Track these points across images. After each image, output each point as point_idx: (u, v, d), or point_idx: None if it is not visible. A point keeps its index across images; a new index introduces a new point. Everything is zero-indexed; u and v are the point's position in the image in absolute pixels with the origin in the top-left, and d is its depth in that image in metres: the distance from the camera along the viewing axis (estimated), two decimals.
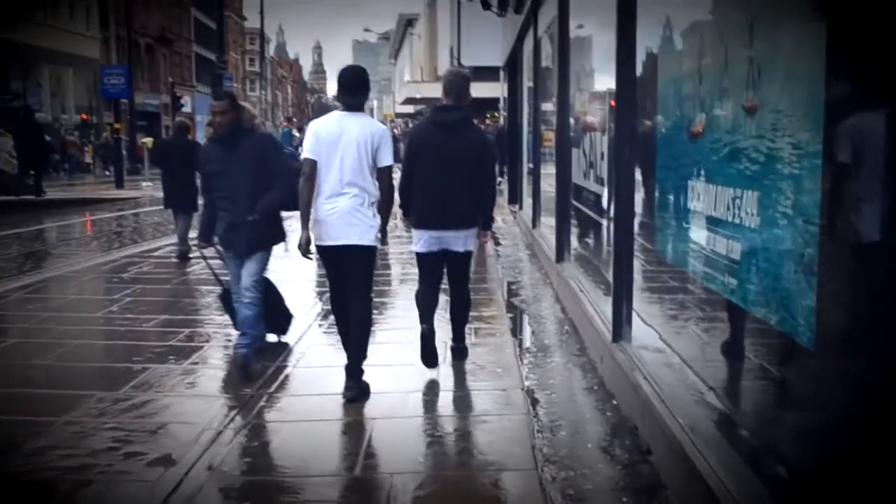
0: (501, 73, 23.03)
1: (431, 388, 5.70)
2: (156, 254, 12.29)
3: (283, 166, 5.89)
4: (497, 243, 12.95)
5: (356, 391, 5.38)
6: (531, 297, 8.60)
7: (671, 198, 4.23)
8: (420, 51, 57.03)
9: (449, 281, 6.13)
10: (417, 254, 5.99)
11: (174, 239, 12.19)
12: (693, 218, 3.86)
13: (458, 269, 6.08)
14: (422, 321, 5.96)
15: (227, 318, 6.90)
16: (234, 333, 6.41)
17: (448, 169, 5.73)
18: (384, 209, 5.43)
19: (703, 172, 3.69)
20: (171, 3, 58.84)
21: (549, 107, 11.33)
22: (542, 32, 11.76)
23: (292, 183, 5.67)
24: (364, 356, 5.48)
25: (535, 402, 5.26)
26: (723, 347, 4.15)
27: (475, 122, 6.14)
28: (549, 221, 11.07)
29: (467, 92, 5.95)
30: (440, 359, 6.05)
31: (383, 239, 5.55)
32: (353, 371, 5.42)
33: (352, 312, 5.50)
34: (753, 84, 3.13)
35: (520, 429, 4.80)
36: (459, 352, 6.25)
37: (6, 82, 33.55)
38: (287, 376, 5.97)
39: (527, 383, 5.65)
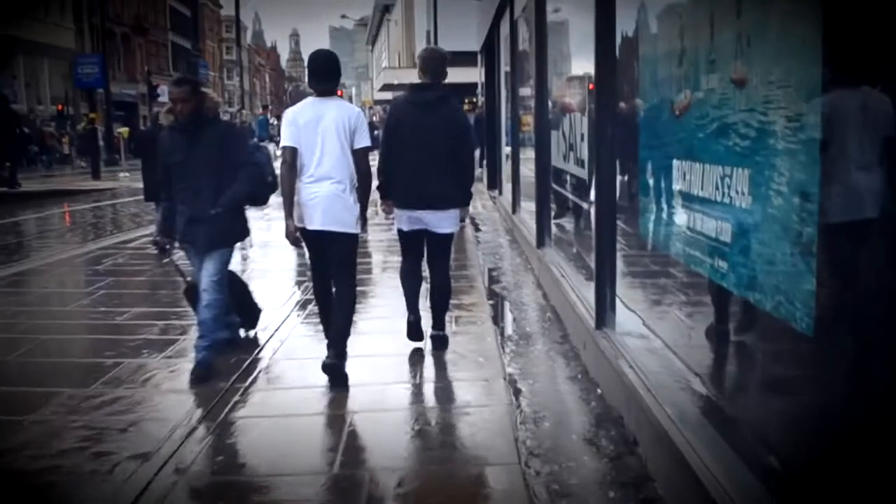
0: (479, 57, 22.81)
1: (412, 380, 5.54)
2: (131, 245, 12.03)
3: (247, 158, 5.63)
4: (477, 229, 12.80)
5: (336, 362, 5.35)
6: (512, 284, 8.44)
7: (655, 179, 4.06)
8: (397, 36, 56.66)
9: (428, 263, 6.08)
10: (399, 230, 5.98)
11: (152, 229, 11.86)
12: (679, 199, 3.69)
13: (438, 249, 6.01)
14: (409, 310, 6.07)
15: None
16: None
17: (427, 147, 5.65)
18: (362, 193, 5.39)
19: (688, 151, 3.52)
20: None
21: (526, 91, 11.16)
22: (518, 14, 11.56)
23: (257, 175, 5.58)
24: (347, 334, 5.52)
25: (517, 392, 5.10)
26: (708, 333, 4.01)
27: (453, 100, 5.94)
28: (529, 206, 10.92)
29: (444, 70, 5.88)
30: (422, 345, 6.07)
31: (363, 226, 5.47)
32: (337, 345, 5.42)
33: (336, 294, 5.57)
34: (742, 54, 2.96)
35: (502, 420, 4.63)
36: (440, 340, 6.11)
37: None
38: (263, 369, 5.77)
39: (509, 371, 5.50)
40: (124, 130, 32.08)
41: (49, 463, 4.26)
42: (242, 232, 5.83)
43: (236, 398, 5.14)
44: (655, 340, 4.68)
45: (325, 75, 5.38)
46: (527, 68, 10.72)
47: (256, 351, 6.14)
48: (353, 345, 6.05)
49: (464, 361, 5.85)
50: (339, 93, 6.61)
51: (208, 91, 5.97)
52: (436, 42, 31.21)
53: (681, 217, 3.64)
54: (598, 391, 5.04)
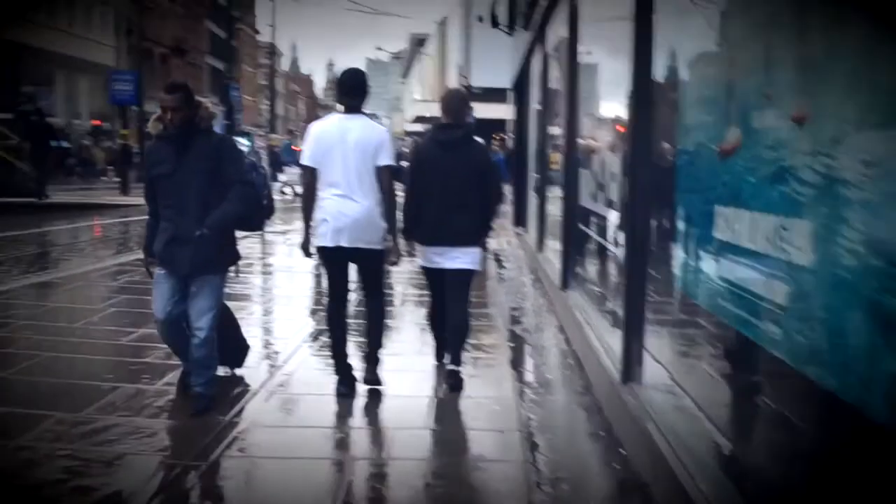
0: (509, 94, 22.55)
1: (422, 425, 5.11)
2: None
3: (242, 176, 5.02)
4: (501, 266, 12.40)
5: (374, 376, 5.60)
6: (534, 326, 8.03)
7: (693, 226, 3.66)
8: (430, 70, 56.72)
9: (447, 298, 5.86)
10: (423, 268, 5.95)
11: None
12: (722, 250, 3.28)
13: (455, 286, 5.81)
14: (437, 358, 6.14)
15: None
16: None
17: (451, 186, 5.64)
18: (387, 208, 5.38)
19: (734, 197, 3.12)
20: (187, 14, 58.54)
21: (556, 128, 10.82)
22: (550, 51, 11.24)
23: (250, 197, 5.08)
24: (381, 345, 5.68)
25: (534, 446, 4.68)
26: (751, 402, 3.58)
27: (477, 139, 5.78)
28: (554, 245, 10.52)
29: (465, 110, 5.95)
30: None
31: (394, 240, 5.50)
32: (372, 358, 5.65)
33: (368, 308, 5.70)
34: (804, 89, 2.57)
35: (516, 479, 4.20)
36: (454, 377, 5.73)
37: (17, 85, 33.08)
38: (265, 404, 5.39)
39: (526, 423, 5.08)
40: None
41: (22, 496, 3.88)
42: (230, 257, 5.21)
43: (234, 434, 4.75)
44: (686, 400, 4.26)
45: (353, 91, 5.40)
46: (557, 106, 10.38)
47: (260, 384, 5.76)
48: (362, 385, 5.70)
49: (479, 408, 5.44)
50: None
51: (203, 101, 5.37)
52: (468, 76, 31.05)
53: (724, 270, 3.23)
54: (622, 452, 4.61)
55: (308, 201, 5.43)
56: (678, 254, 3.95)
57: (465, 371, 6.04)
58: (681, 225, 3.87)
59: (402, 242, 5.73)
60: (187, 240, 4.88)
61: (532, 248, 12.78)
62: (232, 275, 5.32)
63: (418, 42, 65.83)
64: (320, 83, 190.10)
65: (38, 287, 9.60)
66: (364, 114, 5.50)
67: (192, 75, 59.19)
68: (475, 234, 5.76)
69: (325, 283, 5.82)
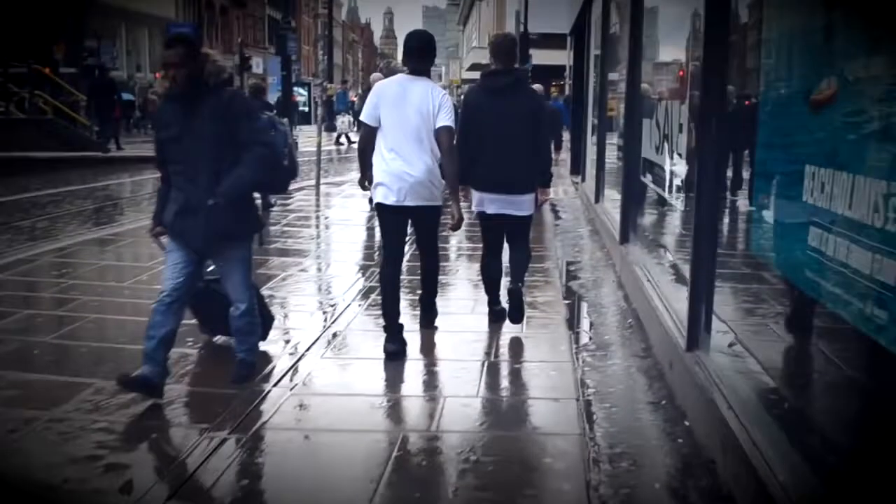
0: (568, 40, 21.83)
1: (474, 392, 4.78)
2: None
3: (257, 137, 4.47)
4: (557, 217, 11.97)
5: (428, 322, 5.78)
6: (591, 282, 7.62)
7: (778, 186, 3.21)
8: (488, 17, 55.71)
9: (509, 243, 5.98)
10: (479, 213, 5.86)
11: None
12: (813, 216, 2.84)
13: (517, 232, 5.93)
14: (491, 302, 6.01)
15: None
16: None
17: (503, 134, 5.58)
18: (449, 168, 5.32)
19: (831, 156, 2.67)
20: None
21: (616, 75, 10.28)
22: None
23: (267, 159, 4.53)
24: (436, 293, 5.83)
25: (591, 417, 4.33)
26: (833, 379, 3.18)
27: (533, 86, 5.46)
28: (613, 196, 10.06)
29: (515, 54, 5.84)
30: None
31: (455, 202, 5.39)
32: (428, 304, 5.81)
33: (423, 266, 5.71)
34: None
35: (573, 455, 3.86)
36: (516, 296, 5.88)
37: (80, 40, 33.17)
38: (308, 373, 5.11)
39: (583, 390, 4.73)
40: None
41: (53, 474, 3.66)
42: (250, 226, 4.74)
43: (277, 405, 4.48)
44: (758, 371, 3.88)
45: (419, 54, 5.34)
46: (619, 50, 9.83)
47: (309, 346, 5.50)
48: (413, 348, 5.41)
49: (533, 374, 5.11)
50: None
51: (210, 52, 4.70)
52: (525, 24, 30.27)
53: (815, 239, 2.79)
54: (686, 423, 4.23)
55: (364, 156, 5.41)
56: (756, 215, 3.51)
57: (521, 331, 5.86)
58: (761, 184, 3.43)
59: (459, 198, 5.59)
60: (199, 209, 4.38)
61: (590, 198, 12.30)
62: (255, 245, 4.90)
63: None
64: (378, 31, 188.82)
65: (93, 243, 9.47)
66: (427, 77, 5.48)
67: (251, 27, 59.00)
68: (530, 181, 5.72)
69: (377, 238, 5.76)
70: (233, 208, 4.40)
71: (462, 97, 31.09)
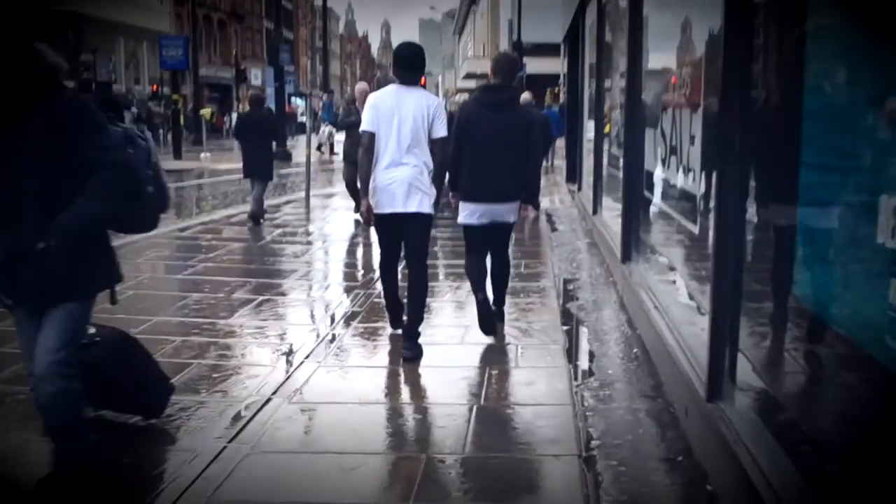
0: (561, 48, 21.12)
1: (459, 450, 4.00)
2: (185, 233, 10.84)
3: (103, 155, 3.21)
4: (553, 228, 11.23)
5: (414, 352, 5.36)
6: (591, 303, 6.87)
7: (840, 222, 2.46)
8: (482, 27, 55.20)
9: (491, 249, 6.04)
10: (465, 225, 5.90)
11: (210, 216, 11.69)
12: (889, 261, 2.10)
13: (500, 238, 6.05)
14: (476, 291, 5.88)
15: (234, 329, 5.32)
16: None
17: (495, 146, 5.63)
18: (438, 178, 5.39)
19: None
20: None
21: (612, 82, 9.55)
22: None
23: (119, 184, 3.23)
24: (421, 319, 5.46)
25: (597, 480, 3.58)
26: (885, 445, 2.44)
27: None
28: (611, 205, 9.32)
29: (514, 73, 5.99)
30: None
31: (436, 209, 5.52)
32: (411, 333, 5.43)
33: (410, 278, 5.54)
34: None
35: None
36: (499, 316, 6.05)
37: (77, 54, 32.45)
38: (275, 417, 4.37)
39: (586, 441, 3.98)
40: (206, 112, 31.13)
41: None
42: (99, 278, 3.38)
43: (230, 467, 3.73)
44: (800, 431, 3.13)
45: (410, 65, 5.39)
46: (615, 56, 9.10)
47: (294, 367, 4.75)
48: (393, 388, 4.68)
49: (529, 420, 4.35)
50: (422, 81, 6.38)
51: (41, 48, 3.35)
52: (519, 32, 29.63)
53: None
54: (708, 488, 3.49)
55: (367, 164, 5.32)
56: (804, 255, 2.76)
57: (514, 362, 5.35)
58: (810, 215, 2.67)
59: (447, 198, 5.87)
60: (28, 256, 3.13)
61: (586, 209, 11.56)
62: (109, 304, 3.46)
63: (470, 0, 63.96)
64: (375, 43, 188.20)
65: None
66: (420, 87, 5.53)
67: (249, 39, 58.30)
68: (516, 190, 5.79)
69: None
70: (72, 254, 3.17)
71: (459, 105, 30.43)
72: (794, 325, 3.36)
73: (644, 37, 6.84)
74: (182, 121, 30.67)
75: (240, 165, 12.10)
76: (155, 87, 37.77)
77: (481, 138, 5.62)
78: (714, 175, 3.84)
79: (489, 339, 5.74)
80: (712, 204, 3.91)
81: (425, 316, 5.58)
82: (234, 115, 38.32)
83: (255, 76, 49.81)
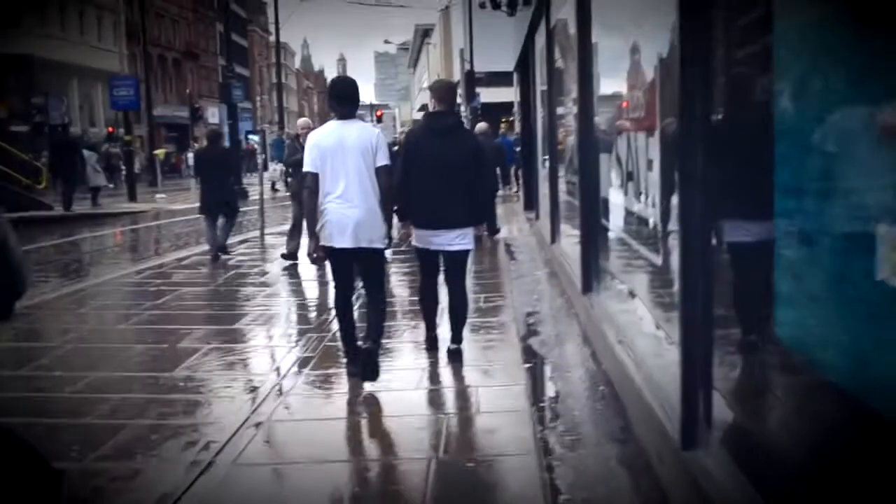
0: (514, 76, 20.96)
1: None
2: (134, 279, 10.34)
3: None
4: (511, 258, 10.90)
5: (373, 370, 5.21)
6: (553, 337, 6.52)
7: (828, 255, 2.14)
8: (436, 58, 55.27)
9: (446, 278, 5.96)
10: (416, 249, 5.91)
11: (161, 259, 11.46)
12: (888, 302, 1.77)
13: (454, 267, 5.90)
14: (428, 328, 6.05)
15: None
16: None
17: (442, 172, 5.60)
18: (385, 207, 5.33)
19: None
20: (198, 19, 57.15)
21: (565, 109, 9.29)
22: (555, 22, 9.66)
23: None
24: (380, 338, 5.46)
25: None
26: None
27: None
28: (570, 233, 9.02)
29: (454, 97, 6.06)
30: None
31: (388, 242, 5.54)
32: (371, 353, 5.25)
33: (369, 305, 5.57)
34: None
35: None
36: (456, 354, 5.87)
37: (27, 96, 31.73)
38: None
39: (553, 498, 3.61)
40: (160, 152, 30.53)
41: None
42: None
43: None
44: (779, 481, 2.79)
45: (347, 100, 5.42)
46: (567, 81, 8.84)
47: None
48: (341, 441, 4.29)
49: (491, 476, 3.97)
50: (378, 113, 6.29)
51: None
52: (471, 60, 29.51)
53: None
54: None
55: (312, 204, 5.32)
56: (784, 291, 2.42)
57: (475, 406, 4.93)
58: (789, 248, 2.34)
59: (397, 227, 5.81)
60: None
61: (545, 238, 11.26)
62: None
63: (423, 33, 64.18)
64: (332, 77, 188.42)
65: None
66: (357, 118, 5.55)
67: (206, 77, 57.75)
68: (469, 216, 5.73)
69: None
70: None
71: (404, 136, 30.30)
72: (770, 358, 3.04)
73: (594, 61, 6.57)
74: (137, 163, 30.12)
75: (195, 205, 11.82)
76: (111, 128, 37.08)
77: (428, 163, 5.60)
78: (674, 199, 3.53)
79: (447, 382, 5.40)
80: (671, 229, 3.59)
81: (381, 357, 5.40)
82: (191, 154, 37.77)
83: (213, 114, 49.25)
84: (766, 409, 3.07)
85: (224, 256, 11.40)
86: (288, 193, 12.91)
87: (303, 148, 10.49)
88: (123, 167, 32.58)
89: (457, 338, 5.92)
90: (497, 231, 12.63)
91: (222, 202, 11.30)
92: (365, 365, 5.20)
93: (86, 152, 22.87)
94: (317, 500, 3.78)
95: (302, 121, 11.68)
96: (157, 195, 25.69)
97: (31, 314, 8.15)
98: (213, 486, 3.89)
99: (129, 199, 23.75)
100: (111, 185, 22.75)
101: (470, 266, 6.22)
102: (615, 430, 4.41)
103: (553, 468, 3.93)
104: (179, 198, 26.16)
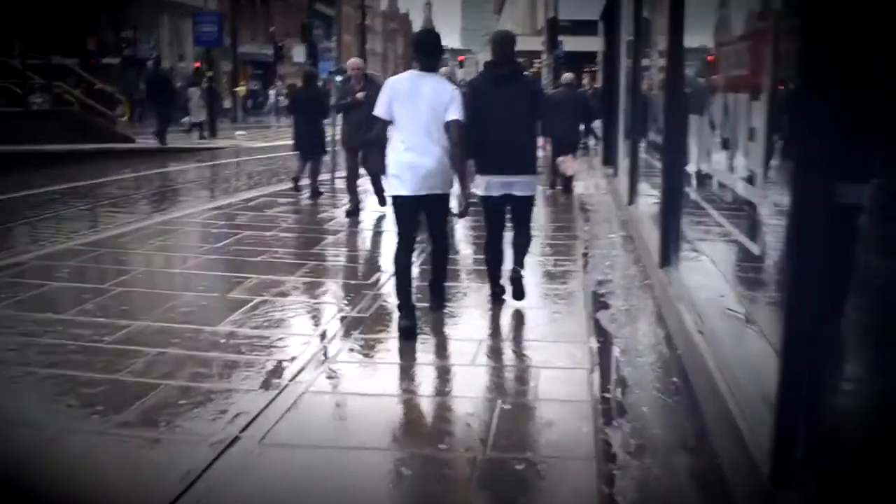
0: (599, 25, 19.91)
1: None
2: (198, 218, 10.02)
3: None
4: (586, 219, 10.21)
5: (521, 291, 5.87)
6: (623, 313, 5.87)
7: None
8: (521, 4, 53.83)
9: (512, 223, 6.03)
10: (482, 197, 5.83)
11: (229, 199, 11.45)
12: None
13: (520, 212, 5.95)
14: (493, 284, 6.03)
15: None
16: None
17: (505, 118, 5.63)
18: (457, 159, 5.29)
19: None
20: None
21: (651, 61, 8.49)
22: None
23: None
24: (445, 277, 5.81)
25: None
26: None
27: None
28: (648, 192, 8.32)
29: (513, 50, 5.94)
30: None
31: (463, 191, 5.46)
32: (438, 289, 5.75)
33: (434, 250, 5.73)
34: None
35: None
36: (517, 283, 5.95)
37: (117, 31, 31.79)
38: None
39: None
40: (241, 89, 30.29)
41: None
42: None
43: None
44: None
45: (430, 52, 5.47)
46: (653, 33, 8.03)
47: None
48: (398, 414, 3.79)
49: (544, 479, 3.42)
50: (460, 58, 5.70)
51: None
52: (556, 10, 28.29)
53: None
54: None
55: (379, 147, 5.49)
56: None
57: (533, 392, 4.39)
58: None
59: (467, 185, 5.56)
60: None
61: (622, 197, 10.53)
62: None
63: None
64: (417, 21, 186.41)
65: (55, 257, 7.91)
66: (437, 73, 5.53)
67: (292, 17, 57.31)
68: (532, 163, 5.82)
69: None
70: None
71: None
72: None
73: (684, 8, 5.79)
74: (226, 100, 29.96)
75: (275, 143, 11.57)
76: (198, 63, 37.07)
77: (492, 111, 5.59)
78: (782, 177, 2.86)
79: (505, 360, 4.87)
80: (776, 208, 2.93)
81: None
82: (272, 92, 37.51)
83: (298, 53, 48.86)
84: (889, 449, 2.42)
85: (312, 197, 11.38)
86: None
87: (353, 91, 9.87)
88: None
89: (519, 263, 6.03)
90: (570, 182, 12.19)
91: (315, 142, 11.32)
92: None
93: (190, 89, 22.94)
94: (345, 496, 3.30)
95: (353, 61, 10.40)
96: (237, 132, 25.48)
97: (89, 252, 7.86)
98: (232, 471, 3.44)
99: (210, 136, 23.57)
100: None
101: (542, 223, 6.26)
102: (688, 437, 3.80)
103: (613, 479, 3.36)
104: (259, 135, 25.95)
